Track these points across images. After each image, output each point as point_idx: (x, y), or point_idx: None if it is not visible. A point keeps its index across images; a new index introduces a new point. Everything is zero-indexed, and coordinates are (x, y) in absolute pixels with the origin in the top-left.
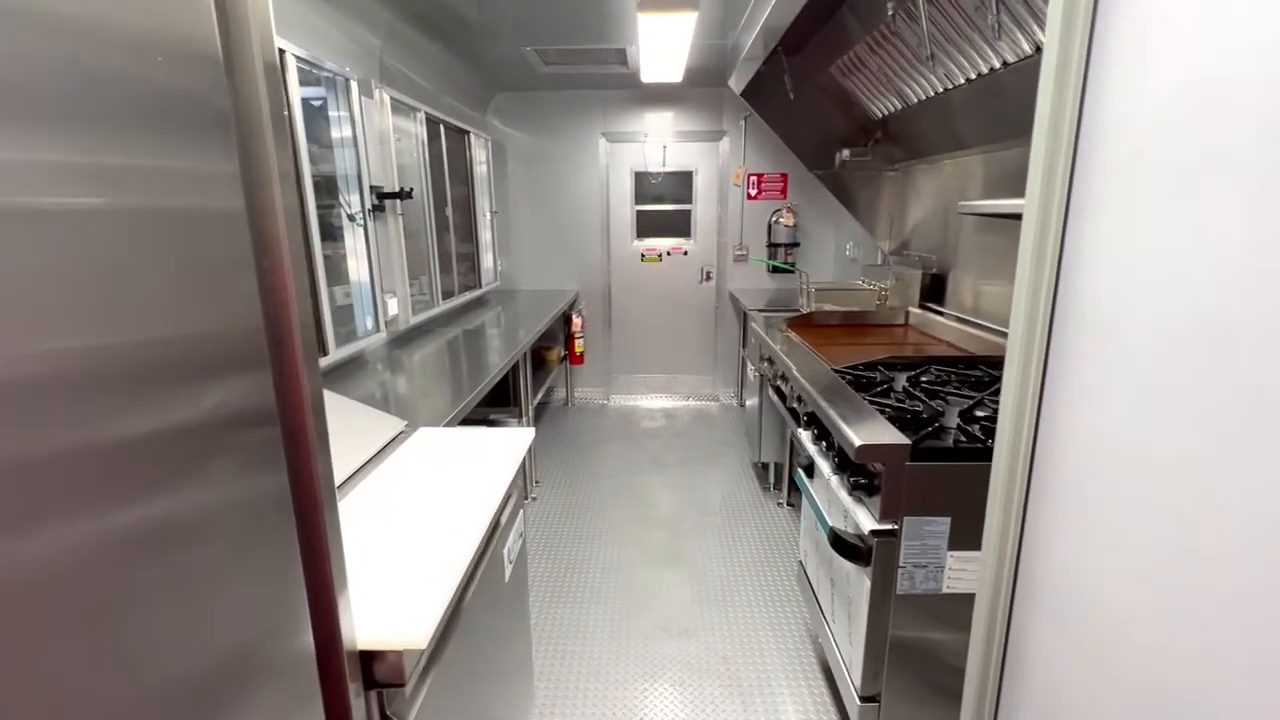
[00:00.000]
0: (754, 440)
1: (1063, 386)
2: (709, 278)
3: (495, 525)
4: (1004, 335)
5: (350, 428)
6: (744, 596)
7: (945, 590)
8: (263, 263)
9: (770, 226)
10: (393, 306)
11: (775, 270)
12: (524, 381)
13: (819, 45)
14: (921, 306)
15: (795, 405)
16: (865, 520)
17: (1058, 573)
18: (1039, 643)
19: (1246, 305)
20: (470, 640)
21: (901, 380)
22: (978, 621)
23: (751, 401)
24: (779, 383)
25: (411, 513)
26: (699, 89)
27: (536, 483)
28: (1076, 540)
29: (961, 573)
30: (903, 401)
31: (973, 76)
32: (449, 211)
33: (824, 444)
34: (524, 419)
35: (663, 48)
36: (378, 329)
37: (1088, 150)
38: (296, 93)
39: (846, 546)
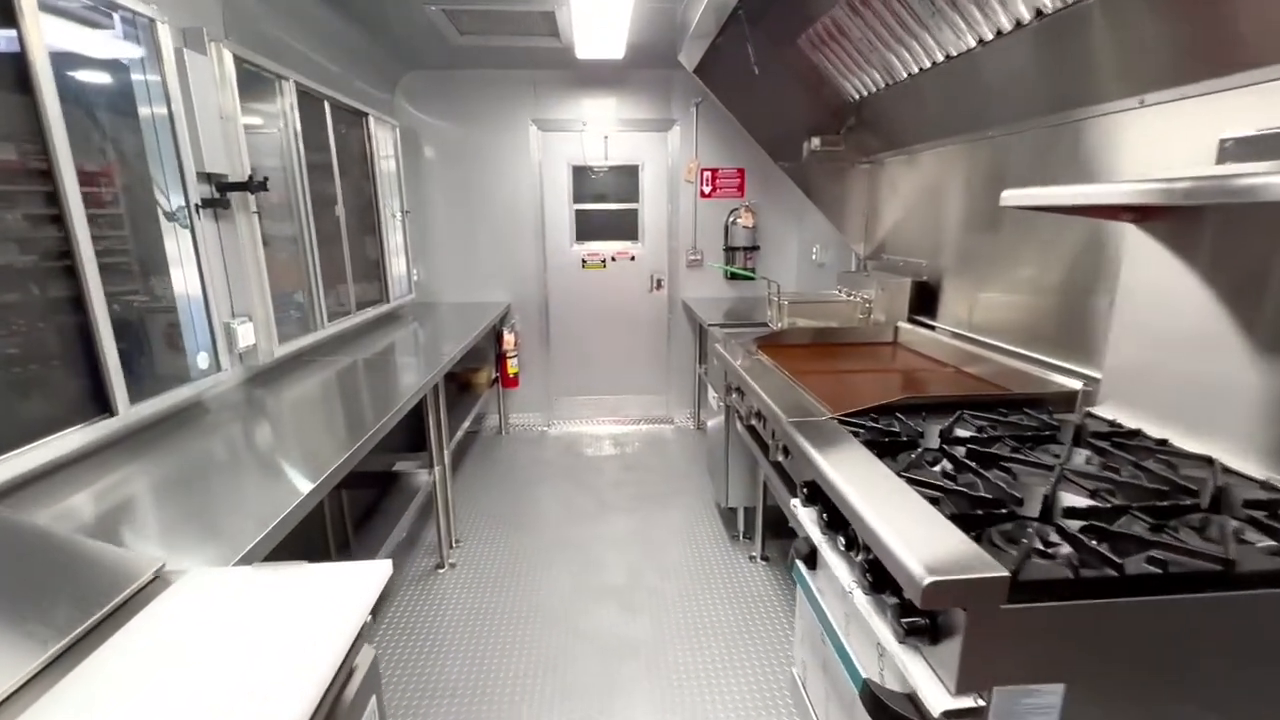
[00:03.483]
0: (719, 480)
1: None
2: (659, 286)
3: None
4: (1014, 355)
5: None
6: (720, 699)
7: None
8: None
9: (727, 228)
10: (246, 335)
11: (734, 277)
12: (437, 418)
13: (787, 10)
14: (911, 320)
15: (780, 459)
16: (930, 689)
17: None
18: None
19: None
20: None
21: (933, 436)
22: None
23: (713, 424)
24: (753, 421)
25: None
26: (645, 70)
27: (456, 543)
28: None
29: None
30: (951, 476)
31: (988, 37)
32: (339, 210)
33: (840, 538)
34: (438, 465)
35: (599, 10)
36: (217, 367)
37: None
38: (38, 30)
39: (894, 718)
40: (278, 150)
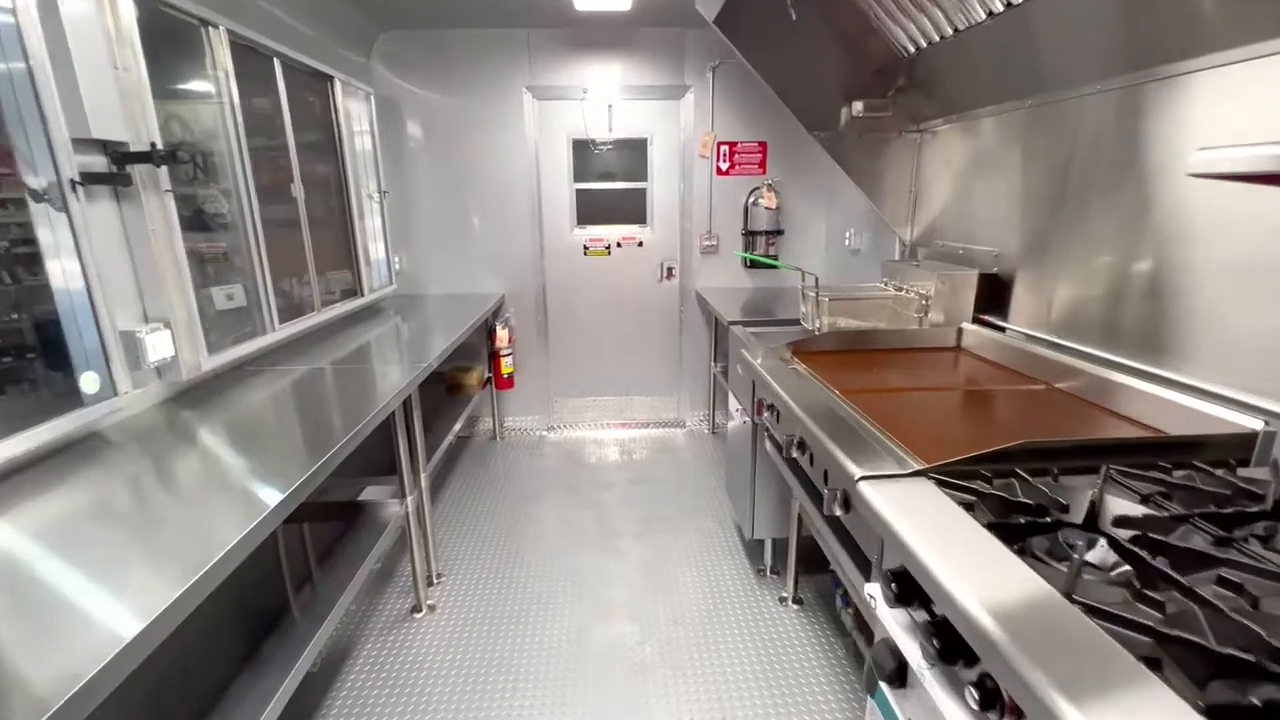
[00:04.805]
0: (742, 505)
1: None
2: (670, 275)
3: None
4: (1127, 370)
5: None
6: None
7: None
8: None
9: (747, 210)
10: (160, 345)
11: (754, 264)
12: (410, 440)
13: None
14: (976, 320)
15: (838, 512)
16: None
17: None
18: None
19: None
20: None
21: (1078, 507)
22: None
23: (734, 436)
24: (794, 453)
25: None
26: (654, 29)
27: (438, 577)
28: None
29: None
30: (1135, 587)
31: None
32: (297, 191)
33: (959, 668)
34: (411, 494)
35: None
36: (112, 389)
37: None
38: None
39: None
40: (216, 118)
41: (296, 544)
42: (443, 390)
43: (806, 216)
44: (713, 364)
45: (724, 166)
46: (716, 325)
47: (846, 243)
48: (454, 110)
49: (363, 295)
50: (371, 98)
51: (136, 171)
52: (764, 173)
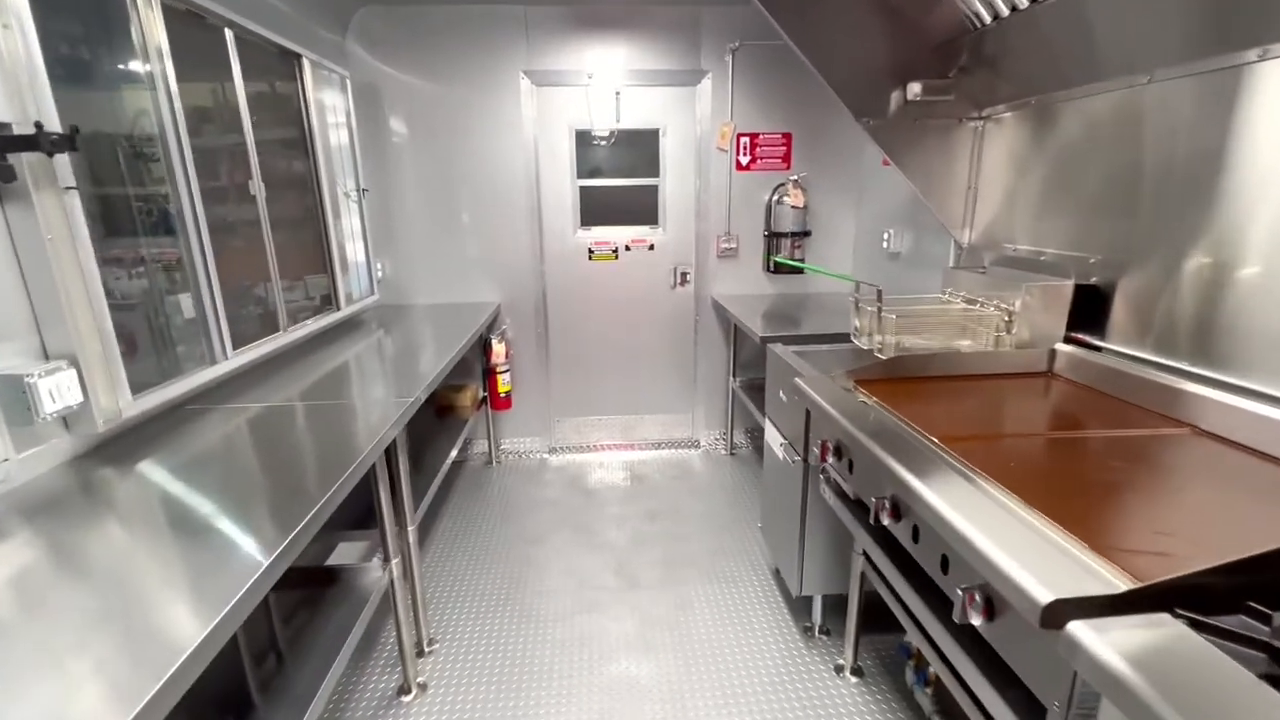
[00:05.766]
0: (786, 556)
1: None
2: (684, 281)
3: None
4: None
5: None
6: None
7: None
8: None
9: (770, 208)
10: (63, 389)
11: (777, 269)
12: (392, 495)
13: None
14: (1068, 339)
15: (975, 619)
16: None
17: None
18: None
19: None
20: None
21: None
22: None
23: (774, 475)
24: (885, 518)
25: None
26: (667, 6)
27: (429, 646)
28: None
29: None
30: None
31: None
32: (255, 189)
33: None
34: (396, 558)
35: None
36: None
37: None
38: None
39: None
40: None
41: (260, 611)
42: (432, 413)
43: (835, 216)
44: (731, 379)
45: (744, 161)
46: (735, 336)
47: (885, 245)
48: (442, 97)
49: (339, 309)
50: (348, 82)
51: (23, 162)
52: (788, 167)
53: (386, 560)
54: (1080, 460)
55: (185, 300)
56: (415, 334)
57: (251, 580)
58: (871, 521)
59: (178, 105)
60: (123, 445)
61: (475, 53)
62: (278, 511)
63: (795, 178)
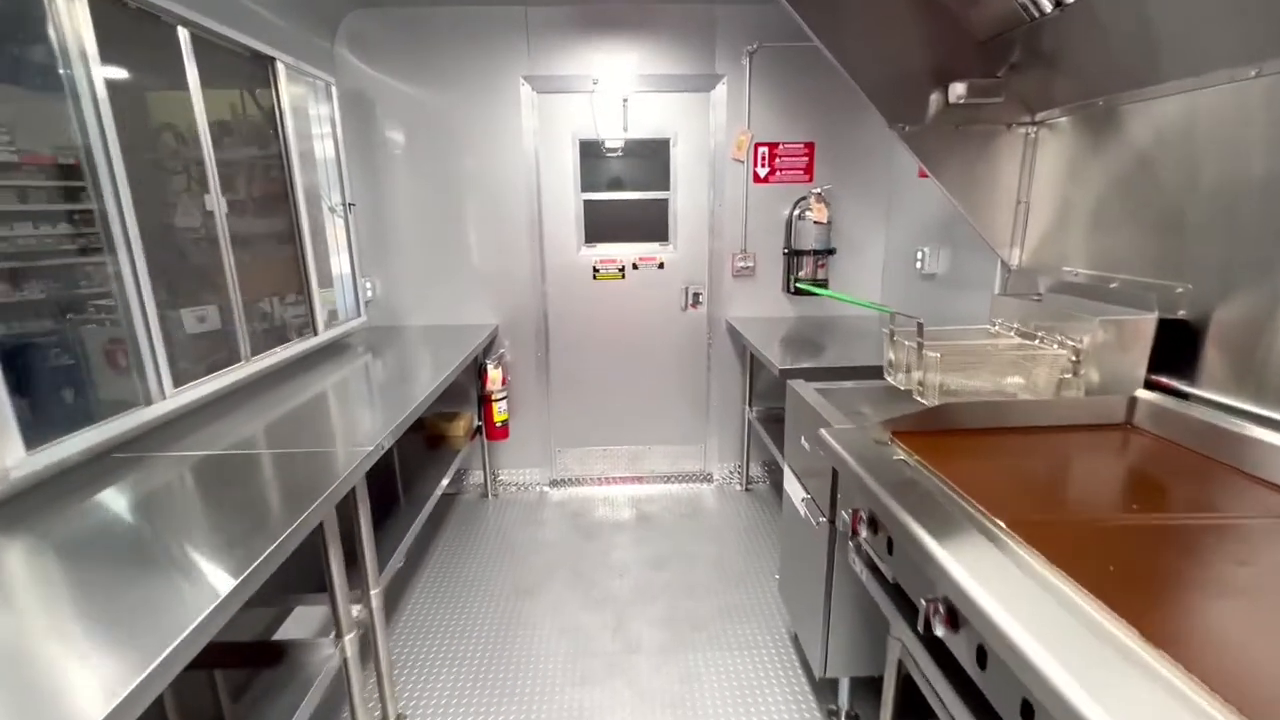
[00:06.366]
0: (809, 631)
1: None
2: (697, 302)
3: None
4: None
5: None
6: None
7: None
8: None
9: (791, 224)
10: None
11: (799, 291)
12: (358, 546)
13: None
14: (1148, 384)
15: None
16: None
17: None
18: None
19: None
20: None
21: None
22: None
23: (795, 516)
24: (939, 628)
25: None
26: (679, 5)
27: None
28: None
29: None
30: None
31: None
32: (213, 202)
33: None
34: (351, 633)
35: None
36: None
37: None
38: None
39: None
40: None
41: (204, 682)
42: (422, 442)
43: (862, 232)
44: (747, 408)
45: (762, 172)
46: (751, 362)
47: (918, 265)
48: (437, 105)
49: (316, 334)
50: (333, 89)
51: None
52: (811, 179)
53: (339, 636)
54: (1197, 559)
55: (112, 332)
56: (404, 359)
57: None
58: (920, 629)
59: (107, 114)
60: (28, 503)
61: (472, 58)
62: (154, 618)
63: (818, 190)
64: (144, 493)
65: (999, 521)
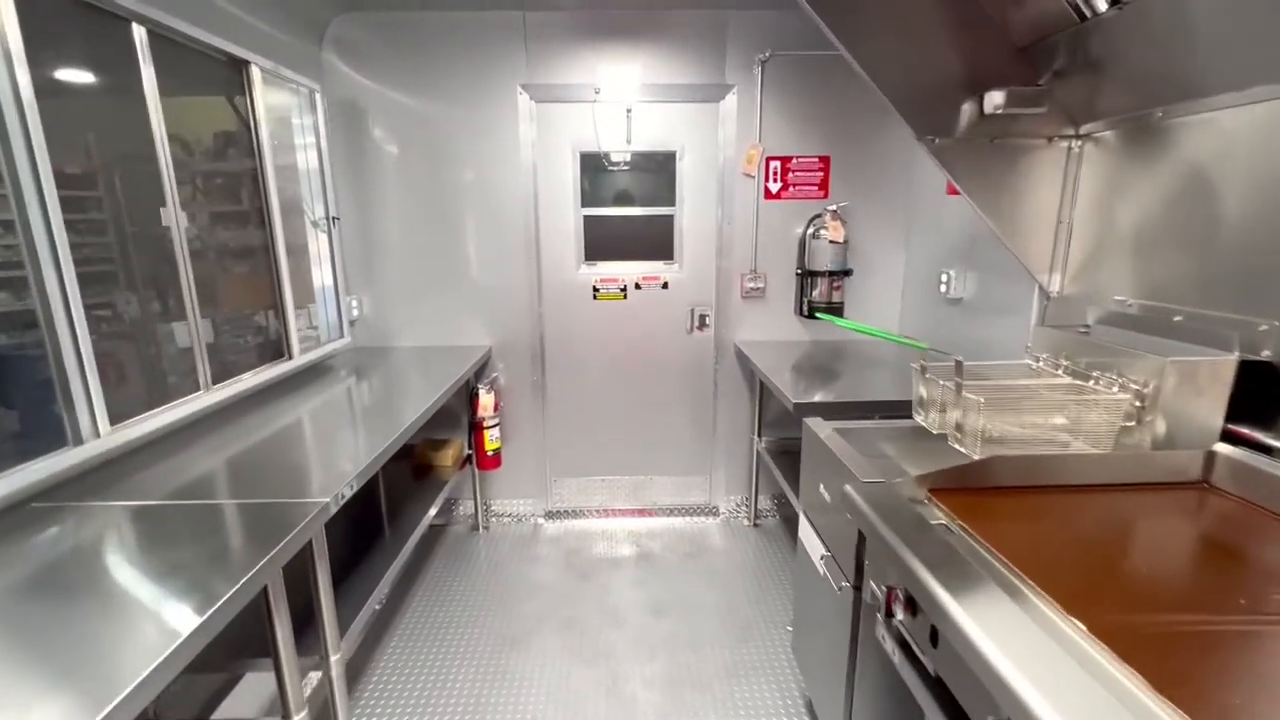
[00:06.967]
0: (829, 700)
1: None
2: (703, 325)
3: None
4: None
5: None
6: None
7: None
8: None
9: (805, 243)
10: None
11: (813, 315)
12: (318, 610)
13: None
14: (1226, 436)
15: None
16: None
17: None
18: None
19: None
20: None
21: None
22: None
23: (811, 574)
24: None
25: None
26: (687, 10)
27: None
28: None
29: None
30: None
31: None
32: (173, 217)
33: None
34: (302, 710)
35: None
36: None
37: None
38: None
39: None
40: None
41: None
42: (408, 472)
43: (881, 252)
44: (756, 437)
45: (774, 188)
46: (761, 389)
47: (942, 288)
48: (430, 115)
49: (290, 357)
50: (318, 96)
51: None
52: (825, 195)
53: (286, 716)
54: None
55: (35, 363)
56: (389, 384)
57: None
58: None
59: (34, 119)
60: None
61: (467, 65)
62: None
63: (834, 208)
64: (48, 557)
65: (1078, 624)
